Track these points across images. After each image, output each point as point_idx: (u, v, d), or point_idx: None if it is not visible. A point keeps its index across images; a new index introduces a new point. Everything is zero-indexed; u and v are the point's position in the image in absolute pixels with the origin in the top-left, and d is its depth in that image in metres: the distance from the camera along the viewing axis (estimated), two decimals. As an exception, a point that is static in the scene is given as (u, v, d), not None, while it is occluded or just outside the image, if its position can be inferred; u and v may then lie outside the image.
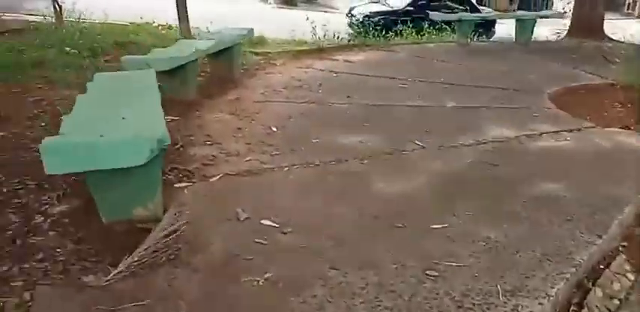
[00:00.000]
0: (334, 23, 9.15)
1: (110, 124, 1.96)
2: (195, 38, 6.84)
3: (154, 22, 8.89)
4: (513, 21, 9.07)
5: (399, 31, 9.17)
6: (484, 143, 3.26)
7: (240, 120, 3.76)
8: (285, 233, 2.04)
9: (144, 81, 3.02)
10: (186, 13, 6.90)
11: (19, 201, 2.32)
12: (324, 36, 7.65)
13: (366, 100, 4.37)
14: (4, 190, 2.43)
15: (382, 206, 2.29)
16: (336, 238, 1.99)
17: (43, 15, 8.75)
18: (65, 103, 3.83)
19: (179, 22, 6.96)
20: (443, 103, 4.33)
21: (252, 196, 2.44)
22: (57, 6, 7.63)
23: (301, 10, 16.11)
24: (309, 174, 2.75)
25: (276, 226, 2.10)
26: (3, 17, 7.91)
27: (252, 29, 5.63)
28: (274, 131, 3.53)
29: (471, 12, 10.88)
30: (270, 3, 17.10)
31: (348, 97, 4.50)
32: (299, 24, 9.82)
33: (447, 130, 3.57)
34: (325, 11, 15.92)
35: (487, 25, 11.19)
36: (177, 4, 6.85)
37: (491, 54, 7.67)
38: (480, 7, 12.92)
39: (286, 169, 2.81)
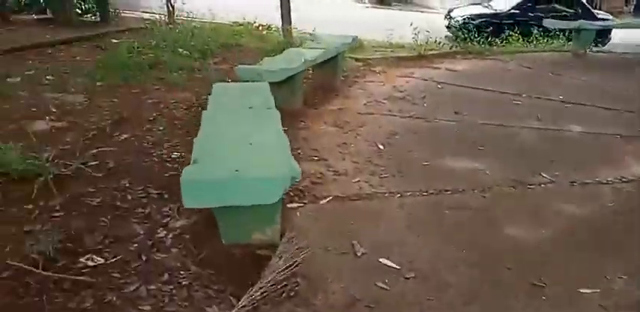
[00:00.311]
0: (431, 24, 8.76)
1: (240, 152, 1.92)
2: (296, 41, 6.90)
3: (254, 22, 9.11)
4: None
5: (504, 37, 8.53)
6: (625, 182, 2.85)
7: (345, 134, 3.65)
8: (407, 278, 1.88)
9: (260, 95, 3.00)
10: (290, 15, 6.93)
11: (143, 211, 2.39)
12: (427, 42, 7.30)
13: (477, 118, 4.06)
14: (129, 197, 2.52)
15: (514, 255, 2.05)
16: (467, 293, 1.79)
17: (157, 13, 9.38)
18: (180, 106, 3.99)
19: (282, 24, 6.99)
20: (567, 127, 3.89)
21: (366, 226, 2.31)
22: (170, 6, 8.08)
23: (395, 9, 15.73)
24: (424, 204, 2.55)
25: (397, 267, 1.95)
26: (122, 14, 8.56)
27: (357, 37, 5.50)
28: (381, 149, 3.37)
29: (583, 16, 9.80)
30: (364, 2, 16.90)
31: (457, 113, 4.21)
32: (394, 24, 9.51)
33: (577, 161, 3.17)
34: (421, 11, 15.39)
35: (604, 32, 10.05)
36: (281, 7, 6.88)
37: (614, 67, 6.87)
38: (594, 11, 11.65)
39: (398, 195, 2.64)
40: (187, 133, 3.43)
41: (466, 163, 3.11)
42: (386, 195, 2.64)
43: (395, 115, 4.13)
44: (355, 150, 3.33)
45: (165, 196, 2.55)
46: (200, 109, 4.02)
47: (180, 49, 5.74)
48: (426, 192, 2.68)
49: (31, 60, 5.02)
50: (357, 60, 6.14)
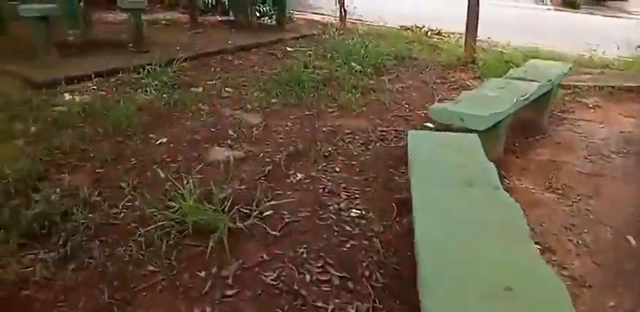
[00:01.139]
0: (630, 33, 6.95)
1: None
2: (478, 56, 5.92)
3: (423, 27, 8.33)
4: None
5: None
6: None
7: (569, 206, 2.72)
8: None
9: (473, 158, 2.27)
10: (476, 23, 5.89)
11: (325, 307, 1.88)
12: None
13: None
14: (308, 277, 2.04)
15: None
16: None
17: (326, 15, 9.16)
18: (356, 140, 3.46)
19: (466, 33, 5.98)
20: None
21: None
22: (343, 11, 7.70)
23: (584, 13, 13.33)
24: None
25: None
26: (295, 16, 8.47)
27: (570, 67, 4.36)
28: (633, 245, 2.38)
29: None
30: (545, 4, 14.71)
31: None
32: (586, 32, 7.84)
33: None
34: (617, 16, 12.79)
35: None
36: (468, 12, 5.85)
37: None
38: None
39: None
40: (366, 182, 2.87)
41: None
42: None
43: (636, 184, 3.02)
44: (593, 240, 2.40)
45: (349, 283, 2.02)
46: (377, 145, 3.48)
47: (354, 64, 5.26)
48: None
49: (213, 67, 5.01)
50: (562, 86, 4.96)
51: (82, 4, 5.31)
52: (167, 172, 2.72)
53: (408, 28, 8.67)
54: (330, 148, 3.28)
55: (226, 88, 4.39)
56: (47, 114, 3.44)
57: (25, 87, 3.86)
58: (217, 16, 7.43)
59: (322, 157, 3.16)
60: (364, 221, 2.48)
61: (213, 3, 7.45)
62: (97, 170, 2.75)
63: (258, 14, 7.44)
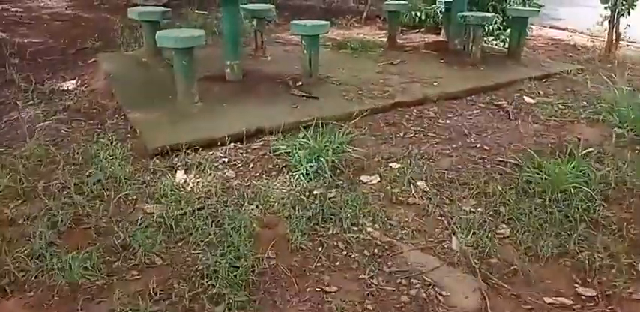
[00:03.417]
0: None
1: None
2: None
3: None
4: None
5: None
6: None
7: None
8: None
9: None
10: None
11: None
12: None
13: None
14: None
15: None
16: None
17: (572, 31, 6.30)
18: None
19: None
20: None
21: None
22: (615, 33, 4.82)
23: None
24: None
25: None
26: (532, 32, 5.81)
27: None
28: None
29: None
30: None
31: None
32: None
33: None
34: None
35: None
36: None
37: None
38: None
39: None
40: None
41: None
42: None
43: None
44: None
45: None
46: None
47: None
48: None
49: (403, 130, 3.06)
50: None
51: (254, 23, 3.97)
52: None
53: None
54: None
55: (417, 183, 2.44)
56: (128, 218, 2.07)
57: (136, 152, 2.61)
58: (424, 35, 5.41)
59: None
60: None
61: (422, 17, 5.44)
62: None
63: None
